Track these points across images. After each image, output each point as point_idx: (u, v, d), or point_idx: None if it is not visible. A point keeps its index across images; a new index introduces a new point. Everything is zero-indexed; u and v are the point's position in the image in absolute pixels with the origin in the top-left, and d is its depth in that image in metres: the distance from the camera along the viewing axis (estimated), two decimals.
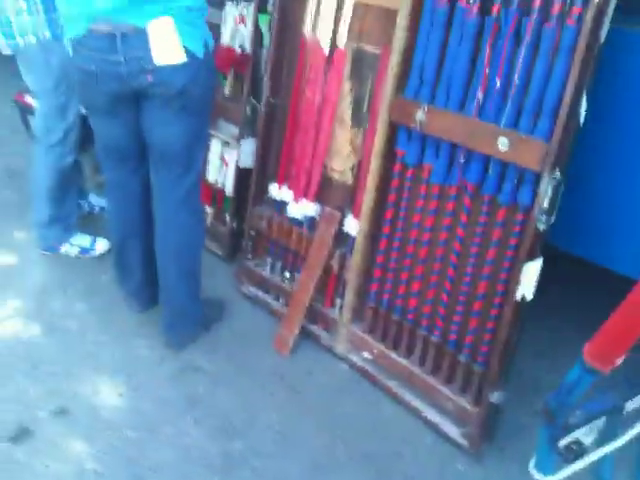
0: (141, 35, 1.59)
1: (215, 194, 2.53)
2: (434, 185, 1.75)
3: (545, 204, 1.50)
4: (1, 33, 2.14)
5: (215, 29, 2.41)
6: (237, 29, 2.37)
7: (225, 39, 2.40)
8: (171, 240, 1.90)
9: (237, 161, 2.38)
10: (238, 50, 2.36)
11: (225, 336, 2.13)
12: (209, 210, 2.56)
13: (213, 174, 2.53)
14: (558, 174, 1.48)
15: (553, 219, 1.53)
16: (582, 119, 1.48)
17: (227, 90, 2.43)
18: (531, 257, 1.55)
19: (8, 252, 2.48)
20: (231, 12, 2.38)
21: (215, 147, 2.52)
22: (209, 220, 2.56)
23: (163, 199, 1.87)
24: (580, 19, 1.41)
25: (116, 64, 1.62)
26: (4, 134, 3.41)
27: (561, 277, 2.30)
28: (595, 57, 1.44)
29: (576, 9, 1.42)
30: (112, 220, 2.03)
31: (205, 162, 2.54)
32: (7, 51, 2.19)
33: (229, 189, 2.47)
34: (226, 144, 2.49)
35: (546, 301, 2.10)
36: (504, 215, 1.61)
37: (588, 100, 1.48)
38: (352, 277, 1.97)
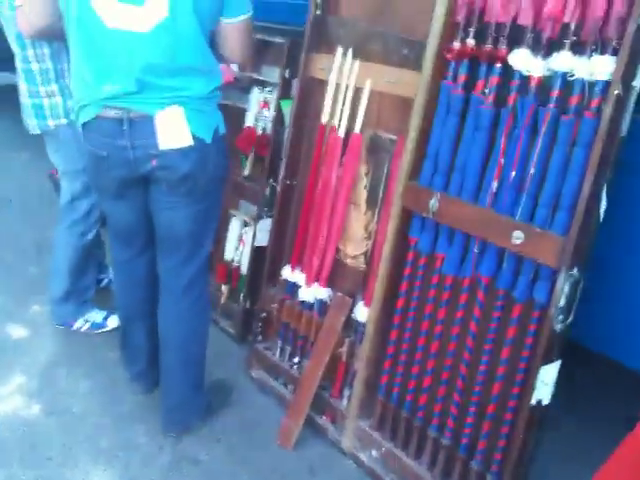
0: (148, 122, 1.60)
1: (230, 272, 2.50)
2: (447, 276, 1.67)
3: (562, 303, 1.40)
4: (33, 114, 2.21)
5: (241, 112, 2.46)
6: (261, 113, 2.41)
7: (249, 122, 2.44)
8: (172, 328, 1.85)
9: (253, 240, 2.36)
10: (260, 132, 2.38)
11: (228, 425, 2.03)
12: (224, 288, 2.52)
13: (230, 252, 2.51)
14: (576, 271, 1.39)
15: (571, 319, 1.42)
16: (602, 214, 1.40)
17: (247, 171, 2.44)
18: (548, 359, 1.43)
19: (22, 326, 2.48)
20: (256, 97, 2.42)
21: (234, 226, 2.51)
22: (223, 298, 2.52)
23: (166, 286, 1.84)
24: (599, 111, 1.36)
25: (123, 149, 1.63)
26: (38, 208, 3.50)
27: (598, 378, 2.16)
28: (616, 150, 1.37)
29: (595, 101, 1.37)
30: (118, 301, 2.01)
31: (223, 240, 2.54)
32: (36, 131, 2.25)
33: (244, 268, 2.44)
34: (245, 224, 2.48)
35: (573, 405, 1.97)
36: (519, 312, 1.51)
37: (609, 194, 1.40)
38: (361, 367, 1.87)
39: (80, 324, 2.44)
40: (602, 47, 1.36)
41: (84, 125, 1.68)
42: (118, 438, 1.94)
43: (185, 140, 1.63)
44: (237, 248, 2.49)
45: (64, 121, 2.20)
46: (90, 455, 1.86)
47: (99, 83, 1.59)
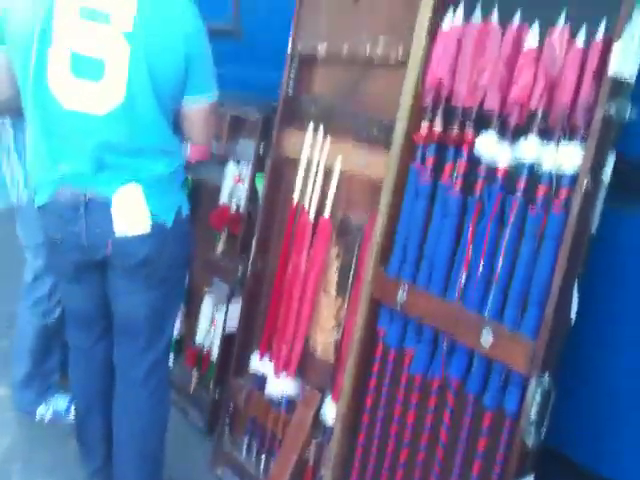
0: (105, 204, 1.51)
1: (200, 357, 2.36)
2: (416, 375, 1.52)
3: (533, 414, 1.25)
4: None
5: (217, 188, 2.40)
6: (236, 188, 2.34)
7: (223, 198, 2.36)
8: (127, 421, 1.71)
9: (224, 324, 2.24)
10: (234, 209, 2.30)
11: None
12: (194, 374, 2.38)
13: (201, 335, 2.39)
14: (547, 377, 1.25)
15: (544, 431, 1.27)
16: (573, 314, 1.27)
17: (219, 248, 2.34)
18: (519, 476, 1.27)
19: None
20: (231, 171, 2.36)
21: (206, 306, 2.39)
22: (192, 386, 2.38)
23: (122, 375, 1.72)
24: (567, 204, 1.25)
25: (77, 235, 1.54)
26: (9, 278, 3.39)
27: None
28: (586, 246, 1.26)
29: (563, 191, 1.26)
30: (74, 391, 1.87)
31: (195, 321, 2.42)
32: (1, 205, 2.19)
33: (214, 354, 2.30)
34: (218, 304, 2.36)
35: None
36: (490, 421, 1.36)
37: (581, 292, 1.27)
38: (328, 473, 1.70)
39: (42, 411, 2.30)
40: (570, 136, 1.27)
41: (40, 207, 1.59)
42: None
43: (143, 226, 1.53)
44: (208, 331, 2.37)
45: (25, 194, 2.13)
46: None
47: (54, 162, 1.51)
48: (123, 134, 1.49)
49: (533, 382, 1.25)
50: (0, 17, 1.43)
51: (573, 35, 1.26)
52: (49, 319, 2.26)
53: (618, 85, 1.20)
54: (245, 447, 2.02)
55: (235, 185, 2.34)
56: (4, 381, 2.48)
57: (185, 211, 1.65)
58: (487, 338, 1.33)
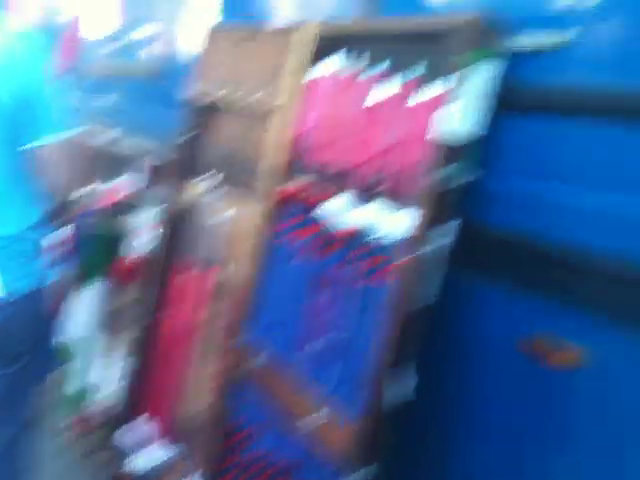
0: None
1: None
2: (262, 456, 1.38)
3: None
4: None
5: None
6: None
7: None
8: None
9: None
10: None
11: None
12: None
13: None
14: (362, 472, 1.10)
15: None
16: (409, 395, 1.12)
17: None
18: None
19: None
20: (147, 219, 2.27)
21: None
22: None
23: None
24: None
25: None
26: None
27: None
28: (418, 319, 1.12)
29: (395, 261, 1.14)
30: None
31: None
32: None
33: None
34: None
35: None
36: None
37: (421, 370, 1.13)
38: None
39: None
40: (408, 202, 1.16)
41: None
42: None
43: None
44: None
45: None
46: None
47: None
48: None
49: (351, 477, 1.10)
50: None
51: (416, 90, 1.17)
52: None
53: (449, 149, 1.09)
54: None
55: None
56: None
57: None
58: (315, 419, 1.19)
